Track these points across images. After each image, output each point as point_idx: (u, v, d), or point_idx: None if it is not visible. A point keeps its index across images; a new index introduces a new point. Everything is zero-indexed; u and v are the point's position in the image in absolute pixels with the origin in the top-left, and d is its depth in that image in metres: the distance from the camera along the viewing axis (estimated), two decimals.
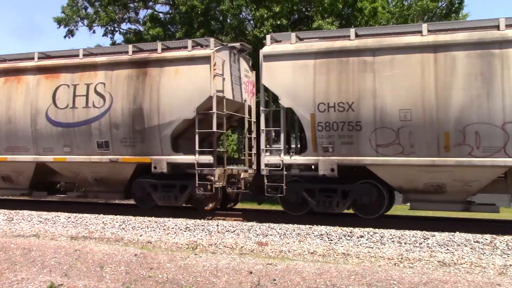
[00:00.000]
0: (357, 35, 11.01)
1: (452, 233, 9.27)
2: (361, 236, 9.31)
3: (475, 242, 8.73)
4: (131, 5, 25.74)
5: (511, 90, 9.63)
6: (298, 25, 22.31)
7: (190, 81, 11.79)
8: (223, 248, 9.25)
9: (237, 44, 13.16)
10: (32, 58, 13.82)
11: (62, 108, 12.92)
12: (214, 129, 11.76)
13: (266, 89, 11.79)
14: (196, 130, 11.81)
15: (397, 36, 10.69)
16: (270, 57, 11.38)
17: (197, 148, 11.82)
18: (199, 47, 12.42)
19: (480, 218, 11.83)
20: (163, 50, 12.41)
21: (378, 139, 10.45)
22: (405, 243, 8.91)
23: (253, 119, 13.61)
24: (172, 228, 10.53)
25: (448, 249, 8.57)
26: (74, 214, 11.95)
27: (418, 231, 9.54)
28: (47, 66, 13.39)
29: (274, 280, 7.29)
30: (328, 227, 10.00)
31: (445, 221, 11.42)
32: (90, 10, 25.64)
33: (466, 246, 8.63)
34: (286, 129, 11.75)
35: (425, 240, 8.93)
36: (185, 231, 10.30)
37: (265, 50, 11.53)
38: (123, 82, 12.43)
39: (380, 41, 10.63)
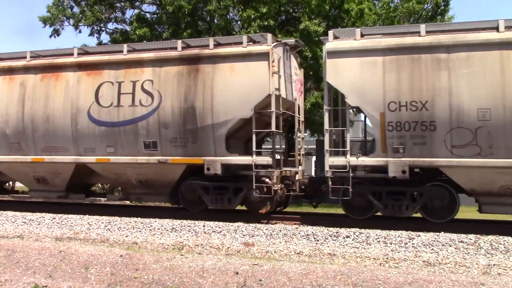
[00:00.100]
0: (427, 31, 10.57)
1: (437, 233, 9.35)
2: (347, 237, 9.35)
3: (459, 242, 8.81)
4: (118, 4, 25.58)
5: None
6: (285, 26, 22.35)
7: (247, 78, 11.29)
8: (209, 248, 9.23)
9: (292, 41, 12.70)
10: (70, 54, 13.18)
11: (106, 107, 12.32)
12: (273, 128, 11.28)
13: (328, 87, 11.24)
14: (253, 130, 11.34)
15: (473, 33, 10.30)
16: (335, 54, 10.88)
17: (254, 149, 11.35)
18: (251, 43, 11.80)
19: (464, 219, 11.94)
20: (214, 46, 11.85)
21: (453, 140, 10.08)
22: (391, 243, 8.97)
23: (302, 118, 13.26)
24: (158, 228, 10.47)
25: (433, 249, 8.64)
26: (59, 215, 11.83)
27: (404, 231, 9.61)
28: (89, 63, 12.79)
29: (260, 280, 7.29)
30: (314, 227, 10.03)
31: (430, 221, 11.48)
32: (76, 9, 25.44)
33: (450, 246, 8.70)
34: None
35: (411, 240, 8.99)
36: (171, 232, 10.26)
37: (329, 46, 11.00)
38: (172, 79, 11.87)
39: (455, 37, 10.23)
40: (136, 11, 25.25)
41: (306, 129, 18.31)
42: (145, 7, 26.05)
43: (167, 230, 10.36)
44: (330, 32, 11.24)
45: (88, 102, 12.49)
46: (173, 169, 11.98)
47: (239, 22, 22.94)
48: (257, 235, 9.78)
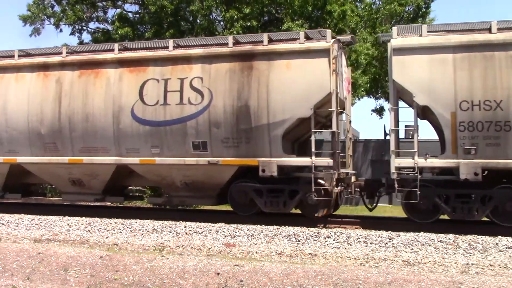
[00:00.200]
0: (498, 28, 10.17)
1: (417, 233, 9.44)
2: (328, 237, 9.39)
3: (438, 241, 8.91)
4: (100, 4, 25.37)
5: None
6: (268, 26, 22.40)
7: (305, 76, 10.78)
8: (190, 249, 9.20)
9: (347, 37, 12.18)
10: (109, 50, 12.60)
11: (151, 105, 11.67)
12: (335, 128, 10.86)
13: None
14: (312, 130, 10.94)
15: None
16: (401, 51, 10.45)
17: (313, 150, 10.85)
18: (306, 39, 11.26)
19: (444, 219, 12.04)
20: (268, 42, 11.32)
21: None
22: (371, 243, 9.03)
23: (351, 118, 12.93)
24: (139, 230, 10.40)
25: (412, 249, 8.73)
26: (38, 216, 11.66)
27: (384, 231, 9.69)
28: (132, 59, 12.13)
29: (241, 281, 7.28)
30: (295, 227, 10.05)
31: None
32: (57, 8, 25.18)
33: (430, 245, 8.79)
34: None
35: (391, 240, 9.06)
36: (152, 233, 10.19)
37: (395, 43, 10.55)
38: (224, 76, 11.29)
39: None
40: (118, 10, 25.10)
41: None
42: (127, 6, 25.92)
43: (148, 231, 10.29)
44: (394, 29, 10.83)
45: (131, 100, 11.85)
46: (223, 170, 11.44)
47: (222, 23, 22.91)
48: (239, 236, 9.77)
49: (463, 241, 8.85)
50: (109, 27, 25.18)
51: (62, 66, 12.65)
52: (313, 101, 10.72)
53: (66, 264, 8.18)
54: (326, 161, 10.86)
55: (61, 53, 12.92)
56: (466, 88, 10.04)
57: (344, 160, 12.01)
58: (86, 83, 12.31)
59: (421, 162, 10.33)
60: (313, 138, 10.98)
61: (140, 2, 24.13)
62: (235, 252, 8.98)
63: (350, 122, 12.77)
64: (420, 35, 10.57)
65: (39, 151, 12.69)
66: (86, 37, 27.16)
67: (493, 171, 10.31)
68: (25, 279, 7.85)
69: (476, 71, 10.02)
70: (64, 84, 12.49)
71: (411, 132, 11.01)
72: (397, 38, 10.65)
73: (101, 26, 26.06)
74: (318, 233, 9.58)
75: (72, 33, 25.63)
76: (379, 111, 27.20)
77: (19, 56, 13.27)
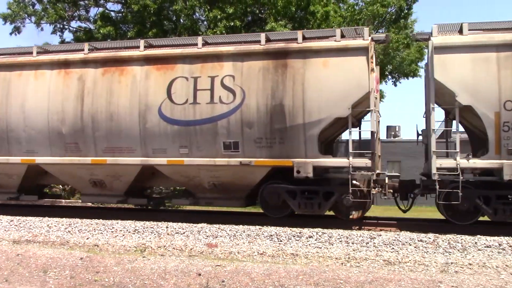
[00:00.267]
0: None
1: (398, 233, 9.52)
2: (310, 237, 9.41)
3: (419, 241, 8.98)
4: (81, 2, 25.16)
5: None
6: (252, 26, 22.43)
7: (343, 74, 10.58)
8: (172, 250, 9.14)
9: (382, 36, 11.93)
10: (134, 47, 12.25)
11: (180, 104, 11.34)
12: (373, 128, 10.76)
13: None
14: (349, 130, 10.73)
15: None
16: (443, 49, 10.25)
17: (351, 150, 10.64)
18: (339, 37, 11.01)
19: (425, 218, 12.18)
20: (303, 40, 11.06)
21: None
22: (353, 243, 9.07)
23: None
24: (120, 230, 10.31)
25: (393, 248, 8.79)
26: (17, 217, 11.48)
27: (365, 231, 9.75)
28: (159, 56, 11.79)
29: (223, 281, 7.26)
30: (278, 228, 10.06)
31: (391, 221, 11.68)
32: (38, 6, 24.93)
33: (410, 245, 8.86)
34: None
35: (372, 240, 9.12)
36: (134, 234, 10.11)
37: (436, 41, 10.35)
38: (257, 75, 11.02)
39: None
40: (101, 9, 24.93)
41: None
42: (110, 5, 25.75)
43: (129, 232, 10.21)
44: (435, 27, 10.57)
45: (159, 99, 11.51)
46: (255, 171, 11.17)
47: (205, 23, 22.88)
48: (221, 236, 9.74)
49: (443, 240, 8.93)
50: (91, 26, 24.97)
51: (85, 63, 12.27)
52: (351, 100, 10.52)
53: (45, 266, 8.08)
54: (364, 161, 10.65)
55: (82, 49, 12.53)
56: (511, 87, 9.93)
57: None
58: (110, 81, 11.94)
59: (464, 163, 10.18)
60: (350, 138, 10.74)
61: (123, 1, 23.99)
62: (217, 252, 8.96)
63: (378, 122, 12.49)
64: (460, 33, 10.47)
65: (59, 151, 12.27)
66: (68, 36, 26.99)
67: None
68: (3, 281, 7.72)
69: None
70: (86, 82, 12.12)
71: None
72: (438, 37, 10.47)
73: (83, 25, 25.89)
74: (300, 233, 9.59)
75: (54, 32, 25.48)
76: None
77: (38, 52, 12.90)
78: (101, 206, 15.36)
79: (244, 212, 12.92)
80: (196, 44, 11.72)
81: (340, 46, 10.75)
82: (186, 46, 11.99)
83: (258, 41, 11.37)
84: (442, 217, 11.31)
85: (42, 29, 25.17)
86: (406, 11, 26.14)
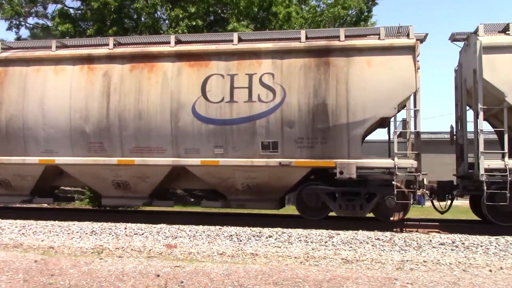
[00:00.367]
0: None
1: (356, 231, 9.67)
2: (270, 236, 9.45)
3: (376, 239, 9.16)
4: None
5: None
6: (214, 26, 22.36)
7: (388, 73, 10.42)
8: (130, 251, 9.00)
9: (422, 34, 11.61)
10: (164, 43, 11.77)
11: (216, 102, 10.98)
12: (419, 129, 10.60)
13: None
14: (394, 130, 10.67)
15: None
16: (492, 49, 10.22)
17: (396, 151, 10.50)
18: (383, 35, 10.88)
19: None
20: (345, 37, 10.88)
21: None
22: (312, 242, 9.17)
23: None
24: (77, 232, 10.09)
25: (351, 247, 8.93)
26: None
27: (324, 230, 9.85)
28: (192, 52, 11.36)
29: (182, 282, 7.19)
30: (238, 227, 10.06)
31: (350, 220, 11.83)
32: None
33: (368, 243, 9.03)
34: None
35: (330, 239, 9.23)
36: (91, 235, 9.92)
37: (485, 41, 10.31)
38: (298, 72, 10.75)
39: None
40: (59, 6, 24.33)
41: None
42: (69, 2, 25.40)
43: (86, 233, 10.01)
44: (481, 26, 10.54)
45: (192, 97, 11.11)
46: (294, 172, 10.85)
47: (167, 21, 22.67)
48: (180, 237, 9.67)
49: (399, 239, 9.14)
50: (49, 23, 24.38)
51: (110, 58, 11.74)
52: (397, 100, 10.42)
53: None
54: (410, 162, 10.49)
55: (106, 44, 12.05)
56: None
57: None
58: (139, 78, 11.45)
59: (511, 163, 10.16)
60: (395, 139, 10.68)
61: None
62: (176, 253, 8.87)
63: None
64: (504, 33, 10.52)
65: (82, 151, 11.67)
66: (24, 32, 26.25)
67: None
68: None
69: None
70: (113, 78, 11.59)
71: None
72: (485, 36, 10.45)
73: (41, 21, 25.22)
74: (260, 232, 9.62)
75: (9, 28, 24.65)
76: None
77: (57, 47, 12.30)
78: (57, 207, 14.99)
79: (204, 212, 12.83)
80: (232, 41, 11.43)
81: (386, 45, 10.64)
82: (219, 42, 11.64)
83: (298, 38, 11.15)
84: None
85: None
86: (366, 13, 26.68)
